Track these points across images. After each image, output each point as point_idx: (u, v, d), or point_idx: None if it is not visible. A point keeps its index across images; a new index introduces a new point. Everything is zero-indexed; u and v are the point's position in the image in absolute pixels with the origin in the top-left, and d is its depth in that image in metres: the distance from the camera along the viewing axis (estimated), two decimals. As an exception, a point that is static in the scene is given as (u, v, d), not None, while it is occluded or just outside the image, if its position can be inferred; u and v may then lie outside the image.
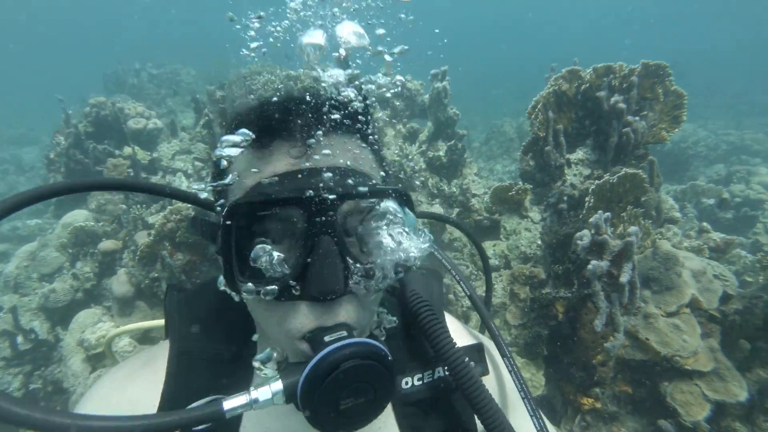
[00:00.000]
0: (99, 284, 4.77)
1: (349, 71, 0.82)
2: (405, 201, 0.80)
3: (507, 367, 0.98)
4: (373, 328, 0.90)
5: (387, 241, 0.75)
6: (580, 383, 3.04)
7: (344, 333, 0.70)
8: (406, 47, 0.87)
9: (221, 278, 0.78)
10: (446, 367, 0.89)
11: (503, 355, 1.00)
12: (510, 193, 4.45)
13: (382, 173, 0.87)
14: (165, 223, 3.65)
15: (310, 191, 0.69)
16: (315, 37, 0.82)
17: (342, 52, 0.81)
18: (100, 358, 3.89)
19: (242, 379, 0.90)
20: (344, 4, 0.83)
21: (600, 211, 2.85)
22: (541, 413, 0.92)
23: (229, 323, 0.93)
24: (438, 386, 0.95)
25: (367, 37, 0.82)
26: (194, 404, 0.79)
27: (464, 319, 3.45)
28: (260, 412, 0.71)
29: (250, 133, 0.75)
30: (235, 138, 0.75)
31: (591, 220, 2.85)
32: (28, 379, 4.42)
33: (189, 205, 3.49)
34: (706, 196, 7.16)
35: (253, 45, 0.87)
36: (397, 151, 5.35)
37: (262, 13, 0.85)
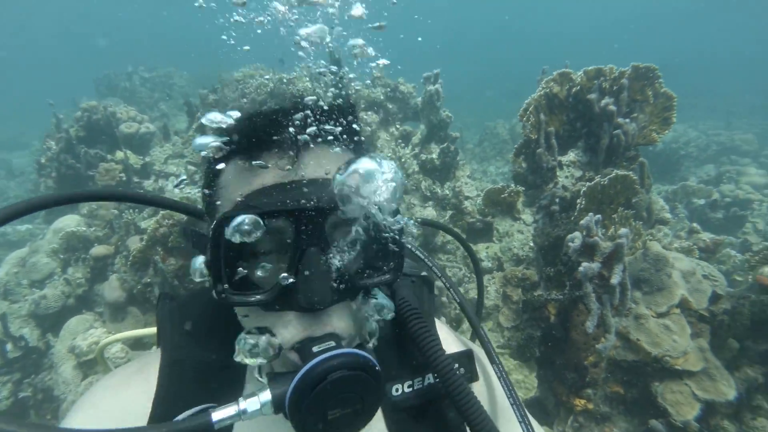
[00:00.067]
0: (91, 290, 4.73)
1: (341, 69, 0.83)
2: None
3: (496, 373, 0.99)
4: (362, 336, 0.91)
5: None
6: (572, 384, 3.07)
7: (332, 343, 0.70)
8: (383, 24, 0.88)
9: None
10: (435, 375, 0.90)
11: (492, 362, 1.01)
12: (502, 196, 4.48)
13: None
14: (157, 228, 3.63)
15: (298, 203, 0.70)
16: (313, 30, 0.83)
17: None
18: (92, 365, 3.86)
19: (234, 387, 0.90)
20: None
21: (590, 214, 2.88)
22: (530, 420, 0.93)
23: (221, 332, 0.93)
24: (427, 393, 0.96)
25: (327, 34, 0.85)
26: (182, 415, 0.79)
27: (456, 322, 3.47)
28: (250, 422, 0.72)
29: (225, 146, 0.78)
30: (214, 141, 0.79)
31: (582, 222, 2.87)
32: (18, 387, 4.36)
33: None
34: (696, 196, 7.25)
35: (246, 48, 0.87)
36: (390, 154, 5.36)
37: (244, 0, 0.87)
